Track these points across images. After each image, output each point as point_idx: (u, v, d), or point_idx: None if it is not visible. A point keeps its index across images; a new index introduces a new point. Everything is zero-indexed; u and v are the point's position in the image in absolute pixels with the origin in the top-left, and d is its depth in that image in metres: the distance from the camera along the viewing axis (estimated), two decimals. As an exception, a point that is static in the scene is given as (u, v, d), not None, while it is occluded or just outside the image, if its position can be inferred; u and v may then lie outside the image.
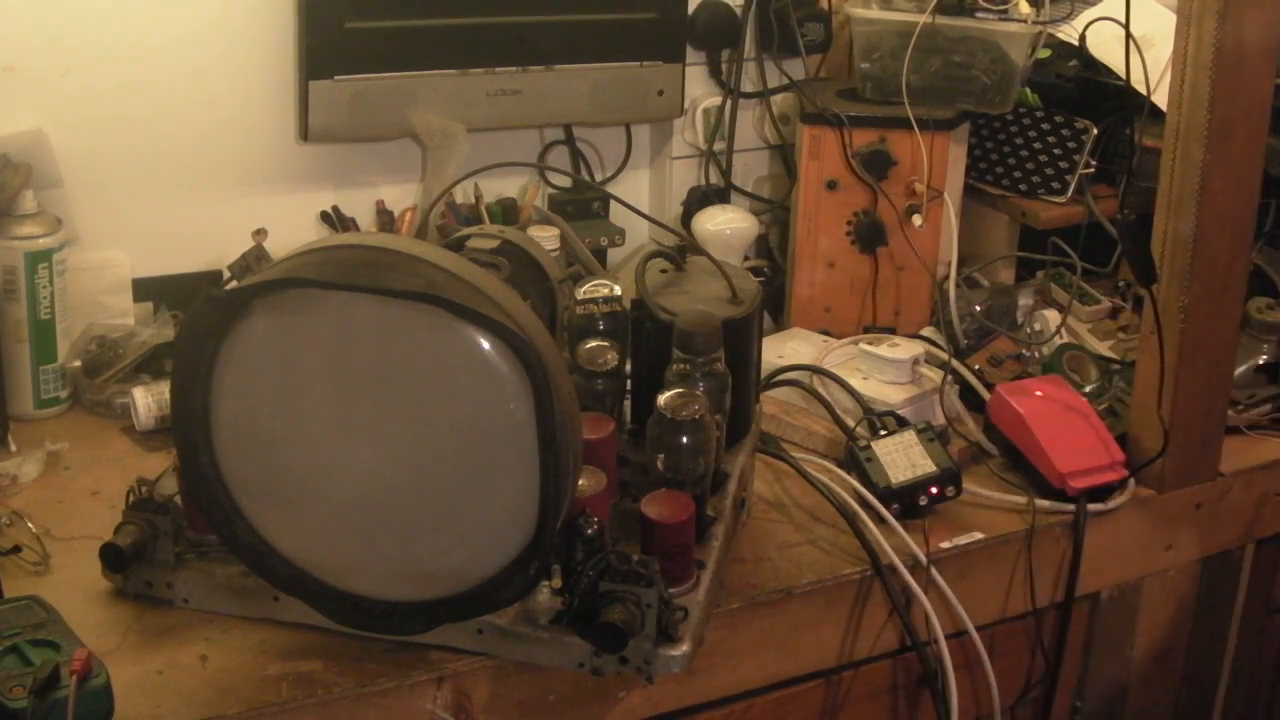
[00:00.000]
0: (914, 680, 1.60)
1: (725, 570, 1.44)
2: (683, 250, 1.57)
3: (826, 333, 1.96)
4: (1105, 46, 2.01)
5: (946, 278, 1.96)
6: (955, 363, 1.82)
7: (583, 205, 2.12)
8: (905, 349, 1.78)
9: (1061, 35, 2.07)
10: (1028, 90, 2.06)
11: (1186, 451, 1.69)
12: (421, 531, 1.24)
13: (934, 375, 1.79)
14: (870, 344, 1.79)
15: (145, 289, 1.88)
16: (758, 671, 1.48)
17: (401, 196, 2.01)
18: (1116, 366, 1.83)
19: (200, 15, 1.83)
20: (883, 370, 1.77)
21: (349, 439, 1.22)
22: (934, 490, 1.58)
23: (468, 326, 1.16)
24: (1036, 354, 1.89)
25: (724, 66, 2.13)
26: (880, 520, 1.55)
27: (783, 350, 1.88)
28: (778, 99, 2.18)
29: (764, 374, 1.72)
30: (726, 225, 2.07)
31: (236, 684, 1.26)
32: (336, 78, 1.85)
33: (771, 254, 2.20)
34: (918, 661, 1.53)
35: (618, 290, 1.47)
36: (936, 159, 1.93)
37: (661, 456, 1.35)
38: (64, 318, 1.74)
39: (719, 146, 2.15)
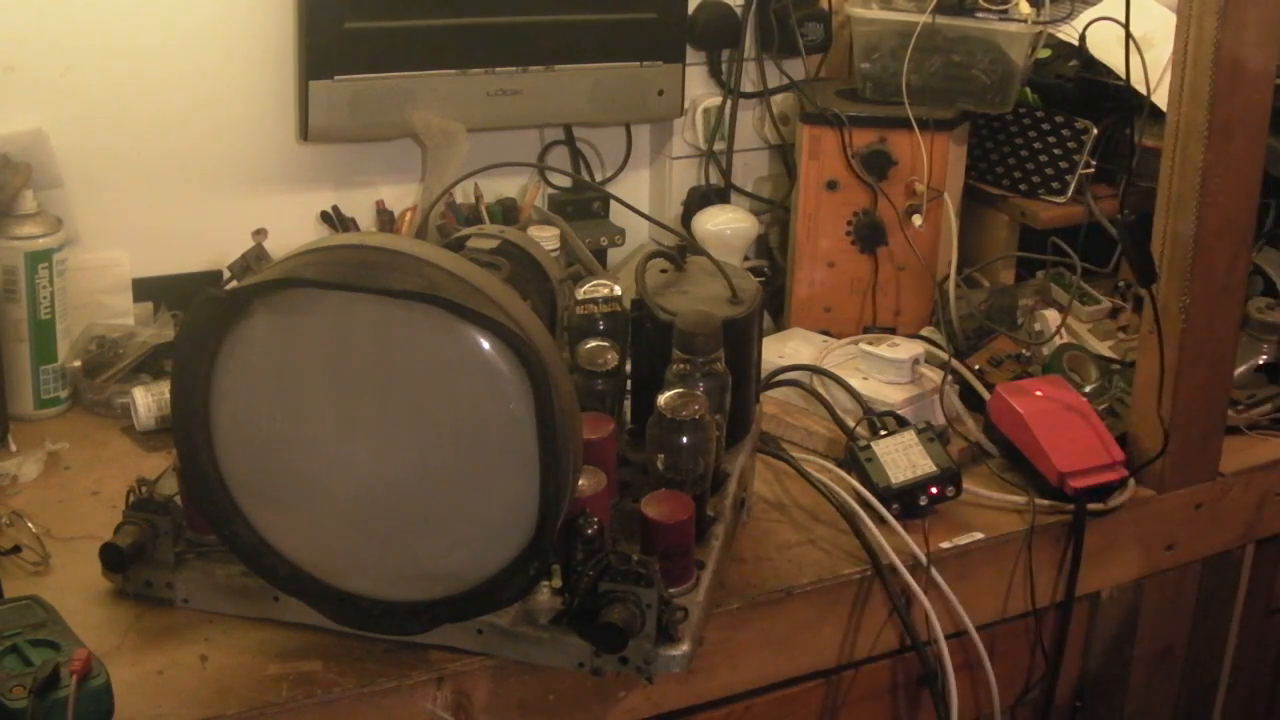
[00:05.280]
0: (914, 680, 1.60)
1: (725, 570, 1.44)
2: (683, 250, 1.57)
3: (826, 333, 1.96)
4: (1105, 46, 2.01)
5: (946, 278, 1.95)
6: (955, 363, 1.82)
7: (583, 205, 2.12)
8: (905, 349, 1.78)
9: (1061, 35, 2.07)
10: (1028, 90, 2.06)
11: (1186, 451, 1.69)
12: (422, 531, 1.24)
13: (934, 375, 1.79)
14: (870, 344, 1.79)
15: (145, 289, 1.88)
16: (758, 671, 1.48)
17: (401, 196, 2.01)
18: (1116, 366, 1.83)
19: (200, 15, 1.83)
20: (883, 370, 1.77)
21: (349, 439, 1.22)
22: (934, 490, 1.58)
23: (468, 326, 1.16)
24: (1036, 354, 1.89)
25: (724, 66, 2.13)
26: (880, 520, 1.55)
27: (783, 350, 1.88)
28: (778, 99, 2.18)
29: (764, 374, 1.72)
30: (726, 225, 2.07)
31: (236, 684, 1.25)
32: (336, 78, 1.85)
33: (771, 254, 2.20)
34: (918, 661, 1.53)
35: (618, 290, 1.47)
36: (936, 159, 1.93)
37: (661, 456, 1.35)
38: (64, 318, 1.74)
39: (719, 146, 2.15)
